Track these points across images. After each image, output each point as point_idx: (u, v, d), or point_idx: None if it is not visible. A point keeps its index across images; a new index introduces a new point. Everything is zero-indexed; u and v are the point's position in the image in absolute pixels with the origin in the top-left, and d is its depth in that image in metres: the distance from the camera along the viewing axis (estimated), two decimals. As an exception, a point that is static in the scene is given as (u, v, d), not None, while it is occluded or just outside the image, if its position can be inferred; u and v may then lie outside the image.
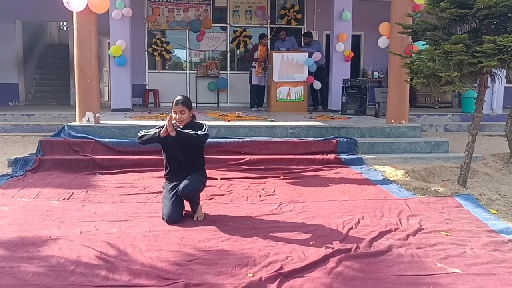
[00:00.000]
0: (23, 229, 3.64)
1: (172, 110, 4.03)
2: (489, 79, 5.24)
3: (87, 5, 6.70)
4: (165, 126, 3.89)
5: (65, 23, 15.92)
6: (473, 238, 3.57)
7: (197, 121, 4.19)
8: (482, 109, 5.26)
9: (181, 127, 4.00)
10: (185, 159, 4.07)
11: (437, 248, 3.36)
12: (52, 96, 13.93)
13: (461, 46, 4.60)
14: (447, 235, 3.65)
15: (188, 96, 4.25)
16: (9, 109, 11.25)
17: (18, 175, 5.55)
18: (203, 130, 4.01)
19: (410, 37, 7.00)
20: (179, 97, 4.06)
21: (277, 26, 12.71)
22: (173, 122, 3.95)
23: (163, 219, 3.91)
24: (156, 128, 4.04)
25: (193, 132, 3.96)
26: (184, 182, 3.92)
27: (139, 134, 4.07)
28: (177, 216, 3.91)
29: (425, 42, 5.78)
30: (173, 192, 3.97)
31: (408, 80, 5.62)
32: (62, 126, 6.99)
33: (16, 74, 13.08)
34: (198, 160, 4.16)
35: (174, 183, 4.04)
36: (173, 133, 3.87)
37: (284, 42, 11.28)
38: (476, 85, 5.45)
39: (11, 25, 12.81)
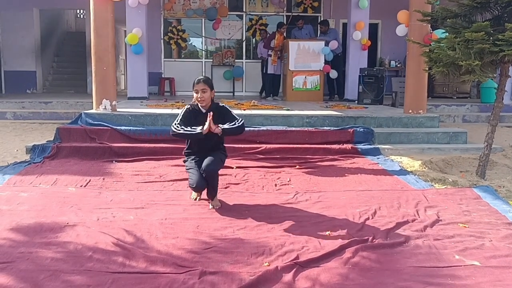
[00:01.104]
0: (41, 215, 3.68)
1: (194, 89, 4.00)
2: (510, 68, 5.13)
3: (104, -8, 6.71)
4: (207, 124, 3.87)
5: (82, 11, 16.01)
6: (492, 230, 3.51)
7: (218, 104, 4.17)
8: (502, 99, 5.17)
9: (205, 109, 4.01)
10: (209, 143, 4.08)
11: (455, 240, 3.32)
12: (69, 84, 14.04)
13: (482, 34, 4.51)
14: (465, 227, 3.60)
15: None
16: (27, 96, 11.38)
17: (36, 162, 5.61)
18: (238, 121, 4.02)
19: (429, 25, 6.89)
20: (200, 77, 4.07)
21: (293, 14, 12.60)
22: (194, 102, 3.99)
23: (191, 187, 4.05)
24: (198, 128, 3.96)
25: (232, 124, 3.97)
26: (206, 161, 3.93)
27: (174, 129, 4.01)
28: (203, 185, 3.97)
29: (444, 30, 5.67)
30: (198, 164, 4.03)
31: (427, 69, 5.53)
32: (79, 114, 7.04)
33: (33, 62, 13.21)
34: (220, 141, 4.20)
35: (197, 158, 4.09)
36: (218, 130, 3.89)
37: (301, 30, 11.18)
38: (496, 74, 5.35)
39: (29, 12, 12.92)
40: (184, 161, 4.26)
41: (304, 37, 10.96)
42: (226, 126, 3.97)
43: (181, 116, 4.07)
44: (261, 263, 2.90)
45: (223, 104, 4.17)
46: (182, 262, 2.88)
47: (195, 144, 4.16)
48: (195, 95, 4.01)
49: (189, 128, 3.97)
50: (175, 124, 4.04)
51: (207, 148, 4.09)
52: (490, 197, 4.35)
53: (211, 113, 3.93)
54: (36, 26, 13.20)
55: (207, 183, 3.98)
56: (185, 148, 4.26)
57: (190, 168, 4.10)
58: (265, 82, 11.52)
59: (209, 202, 4.05)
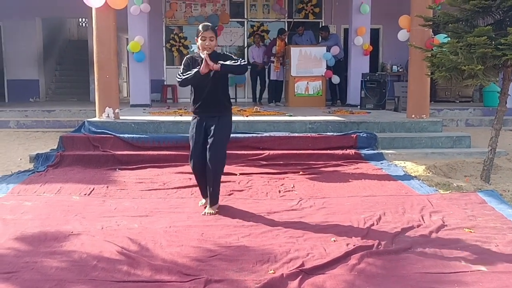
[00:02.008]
0: (46, 224, 3.68)
1: (200, 36, 3.87)
2: (513, 72, 5.12)
3: (106, 1, 6.73)
4: (203, 63, 3.76)
5: (84, 19, 16.08)
6: (498, 235, 3.50)
7: (220, 52, 4.12)
8: (506, 103, 5.16)
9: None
10: (213, 94, 3.97)
11: (461, 245, 3.30)
12: (72, 92, 14.07)
13: (484, 38, 4.51)
14: (471, 232, 3.58)
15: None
16: (30, 105, 11.40)
17: (40, 170, 5.61)
18: (240, 60, 3.91)
19: (431, 30, 6.89)
20: (207, 23, 3.98)
21: (294, 20, 12.63)
22: (203, 53, 3.85)
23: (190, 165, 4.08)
24: (194, 69, 3.88)
25: (233, 62, 3.85)
26: (209, 153, 3.90)
27: (178, 79, 3.95)
28: (201, 164, 3.96)
29: (446, 35, 5.67)
30: (197, 133, 4.00)
31: (430, 73, 5.53)
32: (82, 122, 7.05)
33: (36, 70, 13.26)
34: (225, 98, 4.09)
35: (201, 118, 4.02)
36: (217, 67, 3.76)
37: (301, 37, 11.21)
38: (499, 78, 5.34)
39: (31, 21, 12.98)
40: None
41: (305, 43, 10.98)
42: (226, 62, 3.84)
43: (182, 66, 4.01)
44: (266, 270, 2.88)
45: (226, 53, 4.08)
46: (187, 270, 2.87)
47: (199, 97, 4.00)
48: (201, 42, 3.86)
49: (189, 73, 3.90)
50: (178, 74, 3.98)
51: (212, 103, 3.97)
52: (495, 201, 4.33)
53: (205, 52, 3.80)
54: (38, 35, 13.25)
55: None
56: (191, 105, 4.11)
57: (190, 138, 4.05)
58: (262, 88, 11.55)
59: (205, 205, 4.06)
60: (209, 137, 3.97)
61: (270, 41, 11.59)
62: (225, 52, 4.08)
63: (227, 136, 4.11)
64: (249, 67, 12.16)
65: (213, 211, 3.99)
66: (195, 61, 3.99)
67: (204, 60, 3.78)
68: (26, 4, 12.48)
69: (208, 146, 3.94)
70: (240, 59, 3.96)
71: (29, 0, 12.39)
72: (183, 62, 4.06)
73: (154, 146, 6.38)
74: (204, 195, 4.18)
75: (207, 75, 3.85)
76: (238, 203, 4.34)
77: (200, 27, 3.91)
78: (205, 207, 4.08)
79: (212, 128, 3.96)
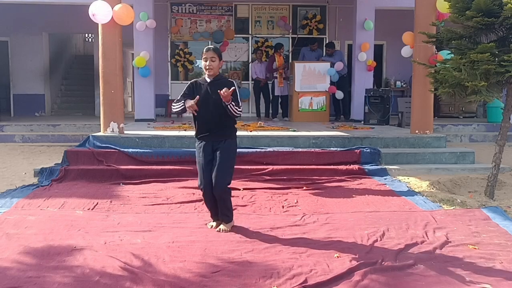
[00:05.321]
0: (49, 238, 3.69)
1: (203, 57, 3.93)
2: (516, 88, 5.13)
3: (112, 17, 6.81)
4: (195, 100, 3.79)
5: (90, 34, 16.24)
6: (502, 252, 3.48)
7: (227, 78, 4.13)
8: (509, 119, 5.16)
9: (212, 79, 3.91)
10: (213, 120, 3.93)
11: (465, 262, 3.28)
12: (77, 106, 14.16)
13: (488, 55, 4.53)
14: (475, 248, 3.56)
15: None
16: (35, 119, 11.47)
17: (44, 185, 5.63)
18: (239, 108, 3.85)
19: (434, 46, 6.93)
20: (210, 46, 4.03)
21: (298, 36, 12.72)
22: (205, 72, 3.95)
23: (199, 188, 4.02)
24: (181, 103, 3.92)
25: (235, 107, 3.82)
26: (214, 174, 3.86)
27: (173, 107, 3.99)
28: (209, 188, 3.90)
29: (450, 51, 5.70)
30: (204, 154, 3.95)
31: (433, 89, 5.54)
32: (87, 137, 7.08)
33: (42, 85, 13.38)
34: (228, 120, 3.99)
35: (204, 143, 3.97)
36: (227, 97, 3.70)
37: (312, 52, 11.27)
38: (502, 94, 5.35)
39: (38, 37, 13.14)
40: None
41: (312, 59, 11.03)
42: (232, 104, 3.80)
43: (183, 91, 4.00)
44: (269, 286, 2.88)
45: (232, 80, 4.06)
46: (190, 286, 2.86)
47: (200, 122, 3.98)
48: (203, 63, 3.93)
49: (181, 103, 3.91)
50: (174, 101, 3.99)
51: (213, 126, 3.93)
52: (500, 217, 4.31)
53: (192, 102, 3.80)
54: (45, 50, 13.40)
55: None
56: (195, 130, 4.08)
57: (198, 164, 4.01)
58: (267, 103, 11.60)
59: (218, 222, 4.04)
60: (214, 162, 3.92)
61: (270, 57, 11.65)
62: (233, 81, 4.01)
63: (232, 160, 4.04)
64: (252, 82, 12.27)
65: (227, 229, 3.97)
66: (198, 86, 3.99)
67: (195, 100, 3.80)
68: (33, 20, 12.65)
69: (213, 174, 3.89)
70: (239, 107, 3.87)
71: (37, 16, 12.55)
72: (186, 86, 4.06)
73: (158, 160, 6.39)
74: (215, 219, 4.10)
75: (207, 103, 3.86)
76: (241, 218, 4.33)
77: (204, 49, 3.97)
78: (215, 228, 4.04)
79: (218, 153, 3.92)
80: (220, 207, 3.98)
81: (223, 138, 3.96)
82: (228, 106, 3.79)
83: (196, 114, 3.92)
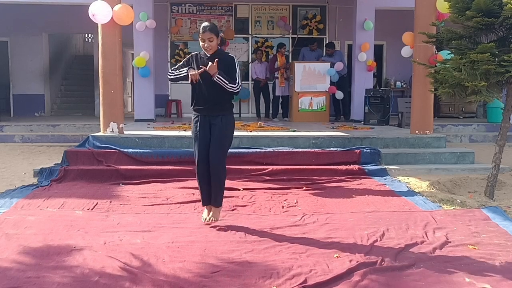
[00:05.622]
0: (48, 239, 3.68)
1: (200, 37, 3.95)
2: (516, 88, 5.13)
3: (112, 17, 6.81)
4: (195, 73, 3.85)
5: (90, 35, 16.24)
6: (502, 252, 3.47)
7: (225, 51, 4.13)
8: (509, 119, 5.15)
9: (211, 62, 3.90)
10: (210, 95, 3.97)
11: (464, 262, 3.28)
12: (77, 107, 14.16)
13: (488, 55, 4.52)
14: (475, 248, 3.56)
15: None
16: (35, 119, 11.47)
17: (44, 185, 5.63)
18: (237, 84, 3.91)
19: (434, 46, 6.92)
20: (206, 24, 3.98)
21: (298, 36, 12.72)
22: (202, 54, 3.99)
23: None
24: (185, 69, 3.98)
25: (231, 82, 3.88)
26: (211, 149, 3.91)
27: (169, 75, 4.05)
28: (205, 164, 3.96)
29: (450, 52, 5.70)
30: (199, 131, 3.99)
31: (433, 90, 5.54)
32: (86, 137, 7.08)
33: (42, 85, 13.37)
34: (227, 98, 4.05)
35: (201, 118, 4.01)
36: (214, 69, 3.78)
37: (312, 53, 11.27)
38: (502, 94, 5.35)
39: (38, 37, 13.13)
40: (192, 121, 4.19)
41: (312, 60, 11.03)
42: (223, 76, 3.86)
43: (181, 62, 4.06)
44: (269, 286, 2.87)
45: (232, 55, 4.08)
46: (190, 286, 2.86)
47: (197, 95, 4.03)
48: (201, 43, 3.96)
49: (182, 70, 3.97)
50: (171, 69, 4.06)
51: (211, 102, 3.97)
52: (499, 218, 4.31)
53: (194, 73, 3.87)
54: (45, 50, 13.39)
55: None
56: (191, 104, 4.13)
57: (193, 139, 4.07)
58: (267, 103, 11.61)
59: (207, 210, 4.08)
60: (211, 137, 3.97)
61: (271, 57, 11.66)
62: (233, 56, 4.03)
63: (230, 136, 4.08)
64: (252, 82, 12.26)
65: (216, 218, 4.01)
66: (199, 59, 4.01)
67: (199, 71, 3.85)
68: (33, 20, 12.64)
69: (210, 150, 3.94)
70: (238, 82, 3.93)
71: (36, 16, 12.54)
72: (186, 57, 4.10)
73: (158, 161, 6.39)
74: (205, 203, 4.16)
75: (206, 76, 3.89)
76: (241, 218, 4.33)
77: (200, 28, 3.97)
78: (208, 219, 4.09)
79: (215, 128, 3.97)
80: (213, 186, 4.00)
81: (219, 113, 4.00)
82: (215, 78, 3.84)
83: (195, 83, 3.96)
